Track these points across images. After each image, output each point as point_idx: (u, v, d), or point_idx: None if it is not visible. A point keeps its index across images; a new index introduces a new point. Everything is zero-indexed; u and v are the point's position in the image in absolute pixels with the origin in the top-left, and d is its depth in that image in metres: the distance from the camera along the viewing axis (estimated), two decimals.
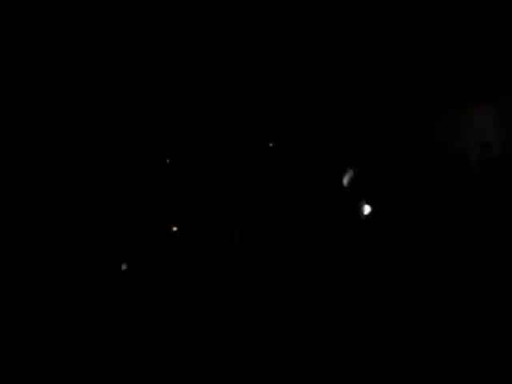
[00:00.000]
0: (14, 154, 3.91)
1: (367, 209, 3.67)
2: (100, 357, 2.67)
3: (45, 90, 3.99)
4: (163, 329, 2.98)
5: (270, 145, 4.46)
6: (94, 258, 4.13)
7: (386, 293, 2.83)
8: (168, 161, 4.76)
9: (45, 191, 4.13)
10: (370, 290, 2.87)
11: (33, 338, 2.80)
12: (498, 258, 2.65)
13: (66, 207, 4.29)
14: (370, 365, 2.24)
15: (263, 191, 4.33)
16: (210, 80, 4.86)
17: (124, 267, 3.93)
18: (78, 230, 4.15)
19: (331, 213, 4.05)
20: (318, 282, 3.16)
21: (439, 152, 4.10)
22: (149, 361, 2.62)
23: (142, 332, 2.94)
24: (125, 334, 2.94)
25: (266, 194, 4.39)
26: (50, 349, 2.75)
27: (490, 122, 4.75)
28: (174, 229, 4.72)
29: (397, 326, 2.50)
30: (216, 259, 3.87)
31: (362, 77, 4.78)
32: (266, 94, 5.02)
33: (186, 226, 4.52)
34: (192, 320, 3.01)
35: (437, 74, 4.38)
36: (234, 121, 5.22)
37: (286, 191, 4.14)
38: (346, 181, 3.69)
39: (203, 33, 3.88)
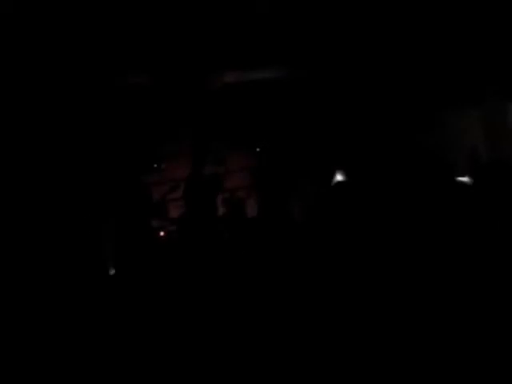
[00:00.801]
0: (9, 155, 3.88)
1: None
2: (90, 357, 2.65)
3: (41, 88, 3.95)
4: (159, 327, 2.96)
5: (258, 149, 4.49)
6: (88, 259, 4.09)
7: (379, 291, 2.81)
8: (156, 165, 4.73)
9: (42, 191, 4.11)
10: (362, 289, 2.86)
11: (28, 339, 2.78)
12: (487, 255, 2.64)
13: (63, 207, 4.26)
14: (367, 364, 2.23)
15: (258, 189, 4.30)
16: (210, 79, 4.84)
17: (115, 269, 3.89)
18: (72, 232, 4.11)
19: (323, 213, 4.03)
20: (311, 281, 3.14)
21: (429, 152, 4.11)
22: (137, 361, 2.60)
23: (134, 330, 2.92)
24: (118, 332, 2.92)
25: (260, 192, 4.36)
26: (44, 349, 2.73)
27: (479, 125, 4.75)
28: (162, 233, 4.70)
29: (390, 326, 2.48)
30: (209, 260, 3.86)
31: (355, 79, 4.75)
32: (265, 93, 4.95)
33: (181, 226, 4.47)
34: (187, 319, 3.00)
35: (428, 79, 4.39)
36: (229, 121, 5.16)
37: (277, 191, 4.12)
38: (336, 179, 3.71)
39: (203, 33, 3.87)
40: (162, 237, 4.96)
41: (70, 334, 3.08)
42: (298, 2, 3.32)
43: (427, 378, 2.02)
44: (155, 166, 4.84)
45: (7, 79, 3.71)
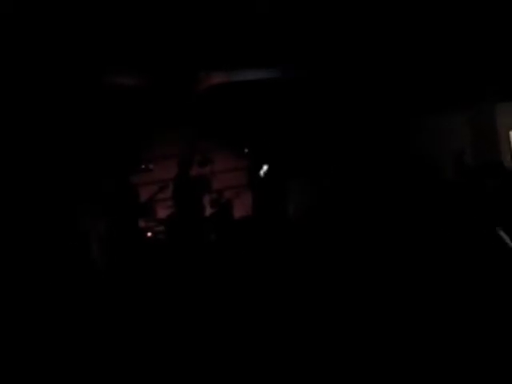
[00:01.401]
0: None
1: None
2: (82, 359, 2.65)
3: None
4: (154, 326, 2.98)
5: (246, 150, 4.54)
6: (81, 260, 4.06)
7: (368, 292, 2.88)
8: (151, 166, 4.74)
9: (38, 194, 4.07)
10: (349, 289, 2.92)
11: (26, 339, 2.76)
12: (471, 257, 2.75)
13: (58, 208, 4.23)
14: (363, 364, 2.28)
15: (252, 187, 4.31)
16: (197, 80, 4.86)
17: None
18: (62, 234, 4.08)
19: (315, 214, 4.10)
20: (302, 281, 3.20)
21: (416, 156, 4.24)
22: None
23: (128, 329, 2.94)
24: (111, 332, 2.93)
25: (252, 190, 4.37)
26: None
27: (465, 128, 4.91)
28: (149, 234, 4.70)
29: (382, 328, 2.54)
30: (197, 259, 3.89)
31: (349, 81, 4.82)
32: (262, 95, 4.99)
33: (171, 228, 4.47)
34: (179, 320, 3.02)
35: (420, 83, 4.53)
36: (225, 122, 5.19)
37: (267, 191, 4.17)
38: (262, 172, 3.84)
39: (192, 35, 3.91)
40: (149, 237, 4.94)
41: (57, 333, 3.07)
42: (295, 3, 3.39)
43: (427, 375, 2.09)
44: (143, 166, 4.83)
45: (4, 78, 3.68)
